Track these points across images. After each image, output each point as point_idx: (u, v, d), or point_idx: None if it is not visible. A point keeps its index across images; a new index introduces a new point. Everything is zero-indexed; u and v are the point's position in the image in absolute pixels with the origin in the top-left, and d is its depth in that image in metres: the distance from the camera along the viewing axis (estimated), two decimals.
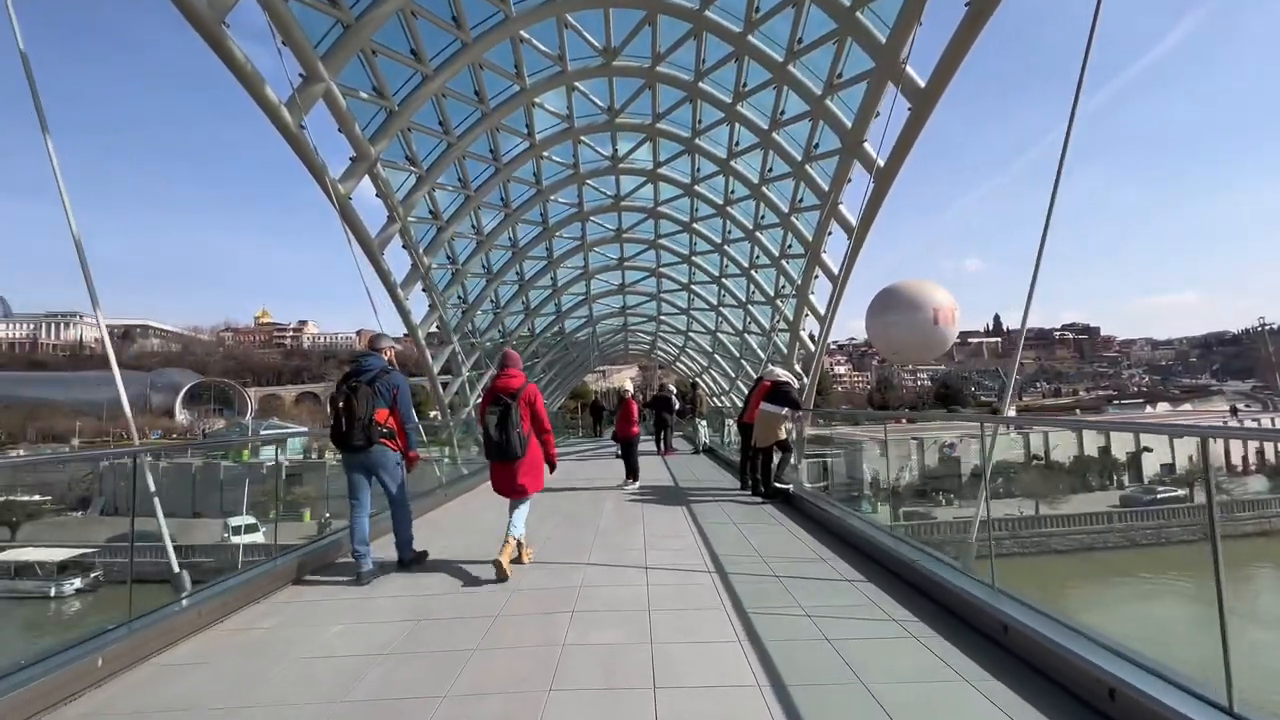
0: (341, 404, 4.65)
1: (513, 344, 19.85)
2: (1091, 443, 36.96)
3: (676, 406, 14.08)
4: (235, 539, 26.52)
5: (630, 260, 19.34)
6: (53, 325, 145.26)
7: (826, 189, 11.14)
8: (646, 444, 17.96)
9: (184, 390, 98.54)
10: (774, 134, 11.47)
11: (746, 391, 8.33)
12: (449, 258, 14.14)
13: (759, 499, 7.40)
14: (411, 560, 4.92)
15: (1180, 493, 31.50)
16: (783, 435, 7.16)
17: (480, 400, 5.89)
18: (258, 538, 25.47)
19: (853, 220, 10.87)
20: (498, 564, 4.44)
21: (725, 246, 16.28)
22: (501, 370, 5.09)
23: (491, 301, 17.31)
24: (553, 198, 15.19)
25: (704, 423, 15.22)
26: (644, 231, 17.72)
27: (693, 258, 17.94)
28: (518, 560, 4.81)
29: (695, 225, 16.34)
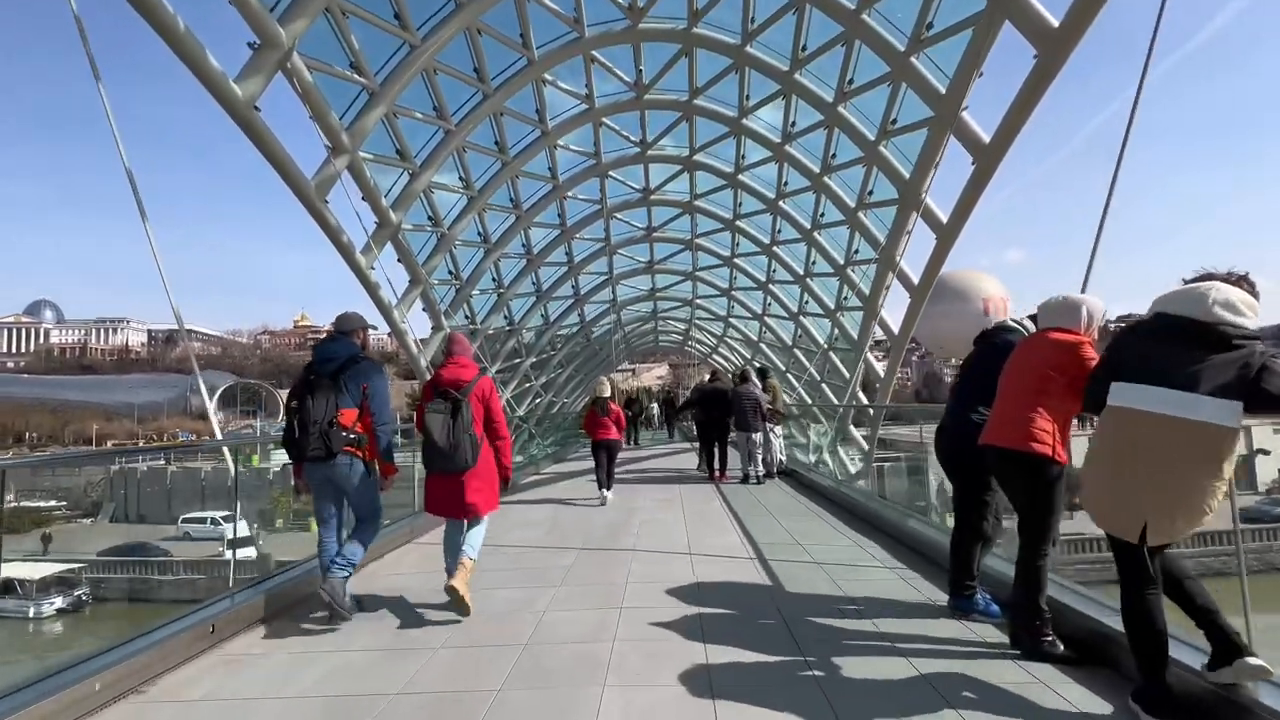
0: (295, 403, 3.76)
1: (523, 334, 16.83)
2: None
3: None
4: (229, 553, 24.29)
5: (660, 230, 16.09)
6: (102, 330, 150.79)
7: (941, 91, 7.73)
8: (641, 459, 14.55)
9: (218, 393, 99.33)
10: (864, 13, 8.10)
11: (966, 357, 3.68)
12: (430, 218, 11.14)
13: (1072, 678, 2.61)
14: (341, 602, 3.65)
15: None
16: (1213, 507, 2.16)
17: (419, 397, 4.52)
18: (251, 552, 23.22)
19: (985, 137, 7.50)
20: (450, 589, 3.64)
21: (780, 202, 12.89)
22: (448, 358, 4.12)
23: (493, 279, 14.30)
24: (560, 143, 12.05)
25: (780, 430, 10.59)
26: (677, 190, 14.47)
27: (737, 222, 14.60)
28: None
29: (741, 177, 13.01)
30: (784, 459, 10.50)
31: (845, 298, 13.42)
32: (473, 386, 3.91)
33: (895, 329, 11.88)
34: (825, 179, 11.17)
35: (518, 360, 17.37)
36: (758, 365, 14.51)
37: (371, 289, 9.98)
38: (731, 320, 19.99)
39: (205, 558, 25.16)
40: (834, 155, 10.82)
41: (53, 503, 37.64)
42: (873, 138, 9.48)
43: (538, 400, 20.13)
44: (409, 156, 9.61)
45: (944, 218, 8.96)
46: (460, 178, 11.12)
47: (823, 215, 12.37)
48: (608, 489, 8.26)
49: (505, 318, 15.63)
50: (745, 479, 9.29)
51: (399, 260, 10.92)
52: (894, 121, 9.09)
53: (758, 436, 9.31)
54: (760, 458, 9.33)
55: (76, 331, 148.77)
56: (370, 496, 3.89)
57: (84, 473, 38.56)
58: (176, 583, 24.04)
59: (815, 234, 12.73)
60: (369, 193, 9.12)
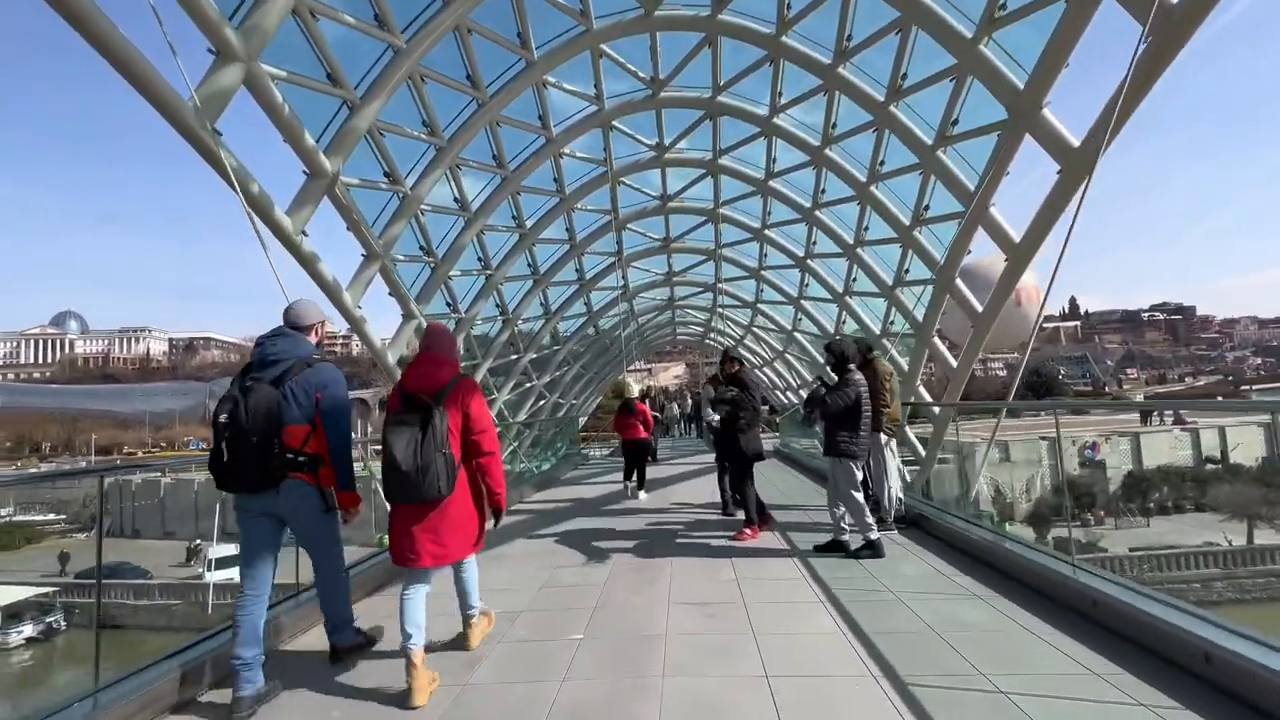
0: (224, 417, 3.02)
1: (518, 325, 14.47)
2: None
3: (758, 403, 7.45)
4: (210, 575, 22.35)
5: (676, 198, 13.62)
6: (124, 340, 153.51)
7: None
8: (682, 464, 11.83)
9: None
10: None
11: None
12: (385, 173, 8.80)
13: None
14: (353, 647, 3.38)
15: None
16: None
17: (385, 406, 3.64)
18: (235, 574, 21.21)
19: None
20: (411, 668, 2.96)
21: (826, 150, 10.32)
22: (422, 355, 3.40)
23: (478, 258, 11.95)
24: (551, 79, 9.65)
25: (892, 441, 6.34)
26: (696, 147, 11.99)
27: (769, 183, 12.04)
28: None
29: (776, 121, 10.47)
30: (902, 497, 6.49)
31: (907, 269, 10.83)
32: (448, 391, 3.23)
33: (978, 304, 9.28)
34: (891, 108, 8.59)
35: (514, 356, 15.02)
36: (847, 345, 11.15)
37: (306, 261, 7.64)
38: (760, 306, 17.42)
39: (182, 580, 23.25)
40: (904, 76, 8.24)
41: (51, 516, 36.32)
42: (969, 35, 6.90)
43: (541, 402, 17.77)
44: (343, 81, 7.24)
45: (1073, 140, 6.37)
46: (423, 120, 8.75)
47: (882, 164, 9.79)
48: (641, 488, 9.06)
49: (496, 305, 13.27)
50: (869, 547, 5.12)
51: (349, 229, 8.62)
52: (1003, 5, 6.51)
53: (892, 470, 6.07)
54: (882, 499, 6.11)
55: (100, 341, 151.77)
56: (331, 534, 3.33)
57: (83, 485, 37.22)
58: (152, 608, 22.20)
59: (872, 188, 10.13)
60: (284, 126, 6.76)
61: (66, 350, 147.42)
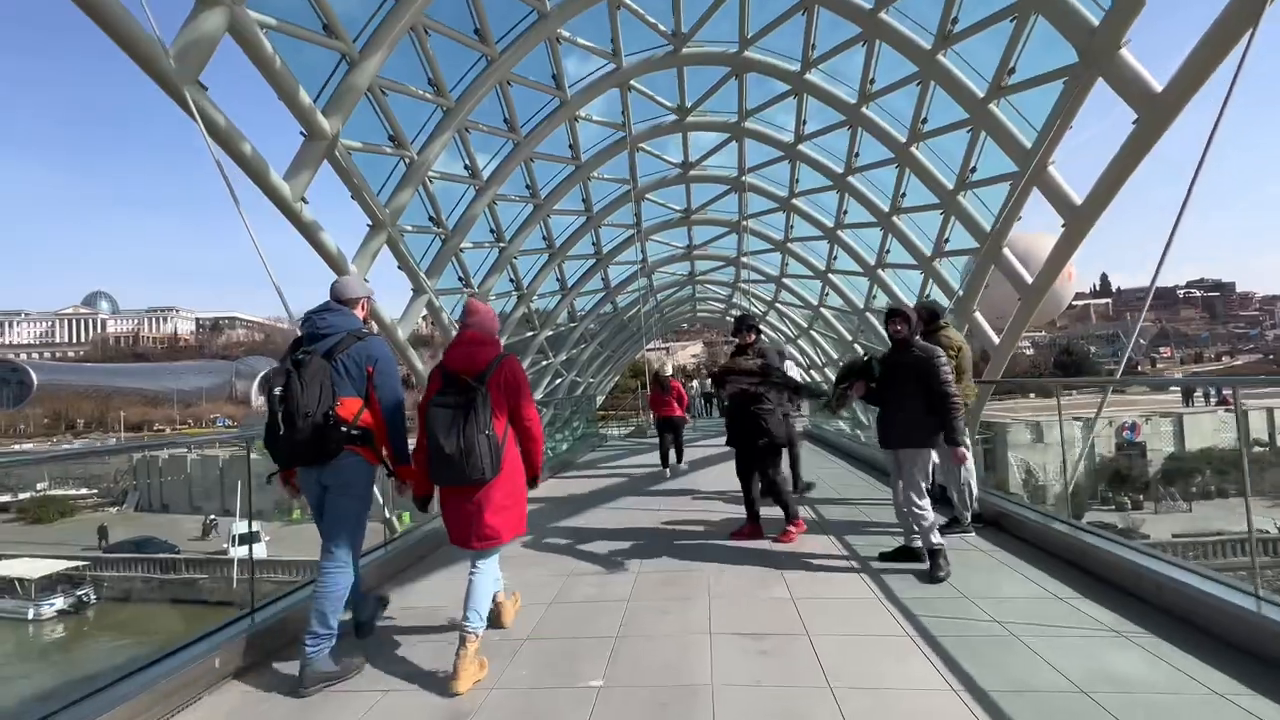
0: (279, 390, 2.95)
1: (533, 301, 13.98)
2: None
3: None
4: (234, 551, 22.65)
5: (698, 165, 12.90)
6: (153, 319, 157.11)
7: None
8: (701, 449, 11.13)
9: (259, 377, 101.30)
10: None
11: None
12: (390, 136, 8.26)
13: None
14: (325, 675, 2.97)
15: None
16: None
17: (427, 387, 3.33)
18: (260, 550, 21.48)
19: None
20: (451, 680, 2.87)
21: (863, 108, 9.52)
22: (463, 334, 3.26)
23: (490, 230, 11.42)
24: (564, 34, 8.96)
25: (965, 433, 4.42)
26: (721, 107, 11.23)
27: (799, 146, 11.26)
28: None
29: (809, 77, 9.67)
30: (977, 490, 5.38)
31: (948, 238, 10.06)
32: (492, 371, 3.09)
33: (1027, 275, 8.50)
34: (939, 57, 7.77)
35: (530, 333, 14.56)
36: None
37: (307, 230, 7.18)
38: (785, 280, 16.68)
39: (209, 555, 23.61)
40: (955, 20, 7.42)
41: (84, 490, 37.32)
42: None
43: (558, 381, 17.37)
44: (340, 32, 6.68)
45: (1156, 84, 5.57)
46: (428, 79, 8.17)
47: (925, 121, 8.98)
48: (678, 460, 9.47)
49: (510, 279, 12.77)
50: (935, 560, 4.10)
51: (351, 196, 8.13)
52: None
53: (968, 461, 4.69)
54: (953, 495, 5.21)
55: (130, 321, 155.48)
56: (362, 522, 3.26)
57: (113, 460, 38.08)
58: (179, 582, 22.63)
59: (912, 149, 9.33)
60: (277, 81, 6.24)
61: (98, 329, 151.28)
